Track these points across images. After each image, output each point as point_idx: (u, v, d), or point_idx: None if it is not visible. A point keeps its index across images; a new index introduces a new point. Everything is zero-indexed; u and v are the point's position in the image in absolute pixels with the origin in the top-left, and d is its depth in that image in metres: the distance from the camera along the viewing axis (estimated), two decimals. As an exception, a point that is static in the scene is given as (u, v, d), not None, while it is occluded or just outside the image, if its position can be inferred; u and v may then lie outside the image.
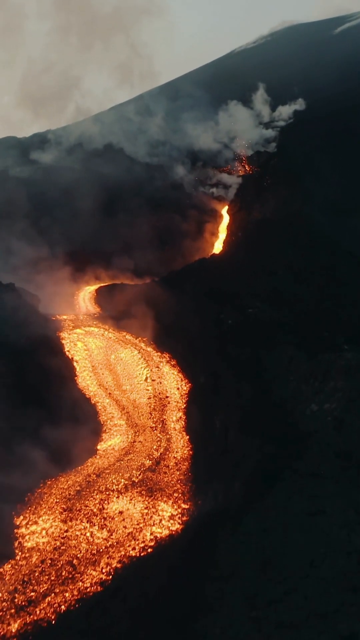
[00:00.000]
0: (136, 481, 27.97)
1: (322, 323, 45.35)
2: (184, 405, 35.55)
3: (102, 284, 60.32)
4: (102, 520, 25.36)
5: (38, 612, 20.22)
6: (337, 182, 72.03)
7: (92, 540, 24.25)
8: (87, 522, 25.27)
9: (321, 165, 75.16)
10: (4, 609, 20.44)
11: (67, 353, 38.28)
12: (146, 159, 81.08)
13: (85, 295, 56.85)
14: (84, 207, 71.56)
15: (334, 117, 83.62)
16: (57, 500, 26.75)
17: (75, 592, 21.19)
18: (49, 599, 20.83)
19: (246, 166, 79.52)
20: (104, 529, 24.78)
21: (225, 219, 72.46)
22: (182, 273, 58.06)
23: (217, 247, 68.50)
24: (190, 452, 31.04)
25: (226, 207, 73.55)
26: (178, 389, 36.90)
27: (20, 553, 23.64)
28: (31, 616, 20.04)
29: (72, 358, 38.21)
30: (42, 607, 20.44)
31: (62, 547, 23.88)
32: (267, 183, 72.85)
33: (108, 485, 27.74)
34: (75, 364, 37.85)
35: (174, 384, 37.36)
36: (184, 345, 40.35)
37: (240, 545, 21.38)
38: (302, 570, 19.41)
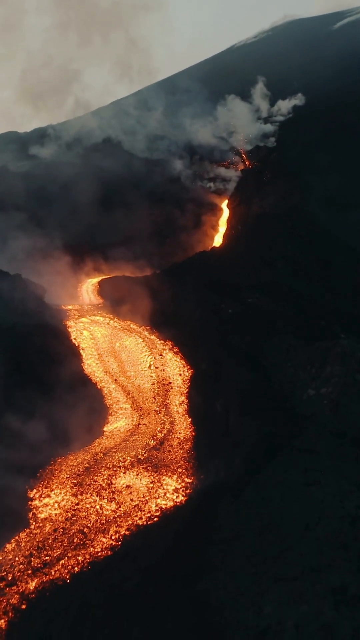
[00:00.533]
0: (142, 458, 29.80)
1: (320, 313, 47.27)
2: (186, 390, 37.37)
3: (104, 276, 62.10)
4: (111, 494, 27.15)
5: (53, 572, 22.03)
6: (335, 177, 73.83)
7: (101, 511, 26.05)
8: (97, 495, 27.08)
9: (320, 160, 76.97)
10: (22, 570, 22.25)
11: (73, 341, 40.10)
12: (146, 154, 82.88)
13: (88, 287, 58.62)
14: (85, 201, 73.32)
15: (333, 112, 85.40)
16: (68, 476, 28.57)
17: (87, 556, 22.99)
18: (63, 562, 22.64)
19: (246, 161, 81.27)
20: (113, 502, 26.58)
21: (225, 212, 74.28)
22: (183, 265, 59.89)
23: (218, 241, 70.31)
24: (193, 433, 32.86)
25: (226, 201, 75.36)
26: (180, 375, 38.72)
27: (34, 523, 25.45)
28: (47, 576, 21.85)
29: (79, 345, 40.03)
30: (56, 569, 22.25)
31: (73, 518, 25.67)
32: (266, 177, 74.62)
33: (115, 463, 29.57)
34: (81, 351, 39.66)
35: (176, 370, 39.20)
36: (186, 333, 42.20)
37: (241, 512, 23.25)
38: (298, 532, 21.28)
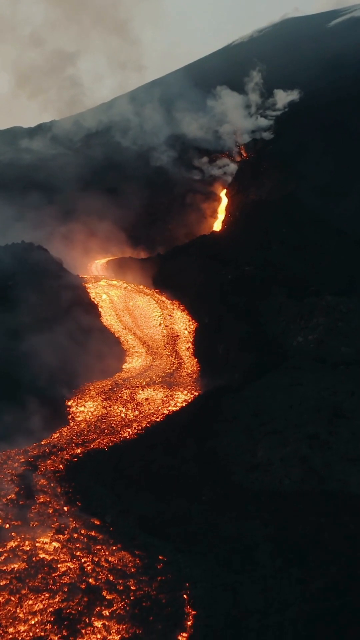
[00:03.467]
0: (157, 381, 37.69)
1: (309, 281, 55.26)
2: (192, 339, 45.30)
3: (111, 257, 70.01)
4: (134, 405, 34.86)
5: (92, 446, 29.71)
6: (327, 168, 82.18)
7: (125, 415, 33.80)
8: (122, 406, 34.79)
9: (313, 152, 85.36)
10: (68, 444, 29.95)
11: (92, 300, 48.08)
12: (150, 147, 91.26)
13: (97, 266, 66.52)
14: (91, 189, 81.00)
15: (326, 108, 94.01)
16: (97, 393, 36.34)
17: (117, 439, 30.72)
18: (98, 440, 30.30)
19: (243, 152, 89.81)
20: (135, 410, 34.36)
21: (224, 200, 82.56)
22: (185, 247, 67.90)
23: (217, 226, 78.46)
24: (199, 368, 40.77)
25: (225, 190, 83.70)
26: (186, 328, 46.67)
27: (72, 422, 33.13)
28: (87, 448, 29.55)
29: (97, 304, 47.99)
30: (94, 444, 29.88)
31: (103, 419, 33.36)
32: (262, 168, 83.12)
33: (134, 384, 37.41)
34: (100, 309, 47.64)
35: (183, 324, 47.14)
36: (191, 294, 50.19)
37: (239, 403, 31.16)
38: (283, 410, 29.20)
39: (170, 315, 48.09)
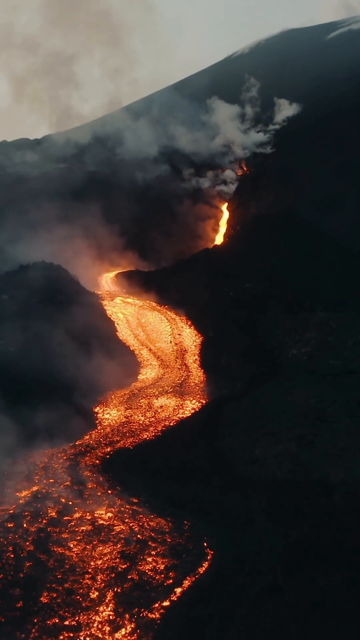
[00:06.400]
0: (169, 390, 45.93)
1: (304, 296, 63.47)
2: (198, 352, 53.55)
3: (119, 271, 78.26)
4: (151, 412, 43.03)
5: (118, 445, 37.80)
6: (324, 182, 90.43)
7: (143, 422, 41.97)
8: (141, 414, 42.95)
9: (311, 166, 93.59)
10: (98, 444, 38.03)
11: (109, 317, 56.40)
12: (152, 162, 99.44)
13: (107, 280, 74.79)
14: (95, 204, 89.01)
15: (324, 122, 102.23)
16: (119, 402, 44.51)
17: (139, 441, 38.85)
18: (123, 442, 38.43)
19: (244, 167, 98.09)
20: (152, 417, 42.49)
21: (225, 214, 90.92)
22: (189, 261, 76.18)
23: (219, 239, 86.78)
24: (205, 378, 49.02)
25: (226, 204, 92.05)
26: (194, 341, 54.93)
27: (99, 426, 41.31)
28: (115, 447, 37.66)
29: (113, 320, 56.28)
30: (120, 445, 38.00)
31: (125, 424, 41.47)
32: (262, 182, 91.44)
33: (149, 393, 45.61)
34: (116, 325, 55.97)
35: (190, 339, 55.40)
36: (197, 310, 58.49)
37: (240, 409, 39.39)
38: (277, 416, 37.42)
39: (179, 334, 56.29)
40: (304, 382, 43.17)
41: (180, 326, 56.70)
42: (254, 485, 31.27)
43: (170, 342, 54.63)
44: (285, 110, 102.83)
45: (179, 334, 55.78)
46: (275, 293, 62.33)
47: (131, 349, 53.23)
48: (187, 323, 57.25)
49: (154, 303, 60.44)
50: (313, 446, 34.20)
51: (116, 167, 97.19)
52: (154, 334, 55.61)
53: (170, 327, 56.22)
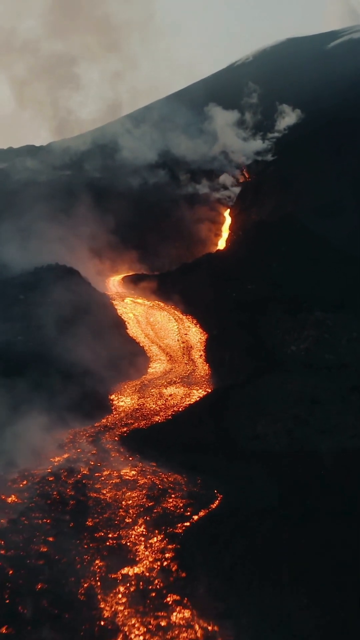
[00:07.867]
0: (177, 381, 52.02)
1: (303, 298, 69.64)
2: (203, 348, 59.66)
3: (126, 274, 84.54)
4: (162, 400, 49.03)
5: (133, 427, 43.78)
6: (324, 189, 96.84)
7: (154, 407, 47.99)
8: (152, 400, 49.05)
9: (311, 174, 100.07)
10: (114, 425, 44.03)
11: (120, 315, 62.59)
12: (154, 169, 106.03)
13: (114, 283, 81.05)
14: (98, 210, 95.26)
15: (325, 130, 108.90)
16: (132, 391, 50.57)
17: (149, 422, 44.86)
18: (137, 424, 44.36)
19: (245, 174, 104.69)
20: (162, 404, 48.55)
21: (228, 220, 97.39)
22: (193, 265, 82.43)
23: (222, 245, 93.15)
24: (210, 371, 55.13)
25: (228, 210, 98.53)
26: (199, 338, 61.08)
27: (115, 411, 47.29)
28: (130, 428, 43.65)
29: (123, 318, 62.46)
30: (134, 426, 44.00)
31: (138, 410, 47.40)
32: (263, 189, 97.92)
33: (159, 384, 51.65)
34: (127, 323, 62.13)
35: (196, 336, 61.56)
36: (202, 309, 64.66)
37: (243, 396, 45.44)
38: (276, 401, 43.52)
39: (185, 332, 62.46)
40: (301, 373, 49.24)
41: (186, 325, 62.82)
42: (256, 456, 37.26)
43: (178, 339, 60.69)
44: (287, 118, 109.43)
45: (186, 333, 61.86)
46: (276, 295, 68.45)
47: (141, 345, 59.28)
48: (193, 322, 63.38)
49: (161, 304, 66.72)
50: (308, 424, 40.31)
51: (123, 174, 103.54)
52: (162, 332, 61.73)
53: (177, 326, 62.34)
